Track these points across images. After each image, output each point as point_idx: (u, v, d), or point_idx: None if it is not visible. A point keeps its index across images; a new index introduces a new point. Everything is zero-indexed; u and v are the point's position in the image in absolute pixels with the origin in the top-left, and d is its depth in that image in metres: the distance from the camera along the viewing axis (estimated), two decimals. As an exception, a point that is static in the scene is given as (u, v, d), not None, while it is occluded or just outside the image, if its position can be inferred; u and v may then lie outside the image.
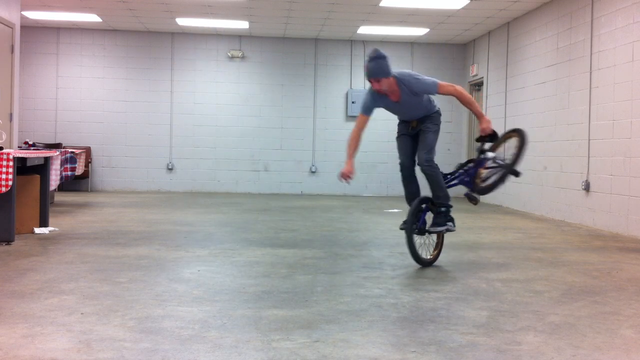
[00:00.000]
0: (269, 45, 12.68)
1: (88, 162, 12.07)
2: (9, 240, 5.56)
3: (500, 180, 4.87)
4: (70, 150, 8.29)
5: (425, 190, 4.99)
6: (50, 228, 6.48)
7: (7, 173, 5.35)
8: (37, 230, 6.29)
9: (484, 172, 5.05)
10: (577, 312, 3.63)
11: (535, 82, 9.66)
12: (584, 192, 8.13)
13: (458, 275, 4.64)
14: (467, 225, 7.91)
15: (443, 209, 5.00)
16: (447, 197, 5.03)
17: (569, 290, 4.22)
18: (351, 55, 12.89)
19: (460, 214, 9.33)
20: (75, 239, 6.01)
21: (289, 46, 12.77)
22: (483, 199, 11.75)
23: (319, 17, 10.79)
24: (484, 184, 5.02)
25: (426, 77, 4.89)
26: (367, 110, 4.93)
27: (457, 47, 13.00)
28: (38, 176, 6.42)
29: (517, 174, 4.86)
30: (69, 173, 7.90)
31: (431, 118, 5.02)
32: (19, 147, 8.48)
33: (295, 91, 12.67)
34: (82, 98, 12.42)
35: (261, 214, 8.71)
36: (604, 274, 4.84)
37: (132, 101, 12.53)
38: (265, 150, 12.73)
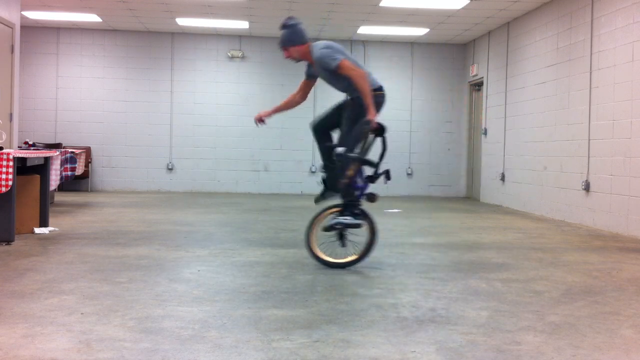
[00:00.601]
0: (269, 45, 12.68)
1: (88, 162, 12.07)
2: (9, 240, 5.56)
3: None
4: (70, 150, 8.29)
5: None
6: (50, 228, 6.48)
7: (7, 173, 5.35)
8: (37, 230, 6.29)
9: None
10: (577, 312, 3.63)
11: (535, 82, 9.66)
12: (584, 192, 8.13)
13: (458, 275, 4.63)
14: (467, 225, 7.91)
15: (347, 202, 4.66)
16: (346, 194, 4.64)
17: (569, 290, 4.22)
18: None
19: (460, 214, 9.34)
20: (75, 239, 6.01)
21: (289, 46, 12.76)
22: (483, 199, 11.76)
23: (319, 17, 10.79)
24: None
25: (335, 52, 4.59)
26: (305, 75, 4.95)
27: (457, 47, 13.00)
28: (38, 176, 6.42)
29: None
30: (69, 173, 7.90)
31: (353, 104, 4.67)
32: (19, 147, 8.48)
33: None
34: (82, 98, 12.42)
35: (261, 214, 8.71)
36: (604, 274, 4.84)
37: (132, 101, 12.53)
38: (265, 150, 12.74)
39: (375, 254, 5.52)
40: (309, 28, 11.79)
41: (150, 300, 3.65)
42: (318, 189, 5.11)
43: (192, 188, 12.62)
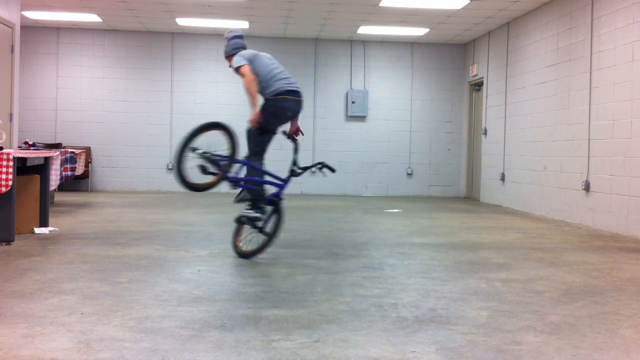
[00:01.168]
0: (269, 45, 12.66)
1: (88, 162, 12.07)
2: (9, 240, 5.56)
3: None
4: (70, 150, 8.29)
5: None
6: (50, 228, 6.48)
7: (7, 173, 5.35)
8: (37, 230, 6.29)
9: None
10: (577, 312, 3.63)
11: (535, 82, 9.66)
12: (584, 192, 8.13)
13: (458, 275, 4.63)
14: (467, 225, 7.92)
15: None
16: (248, 192, 5.26)
17: (569, 290, 4.22)
18: (351, 55, 12.89)
19: (460, 214, 9.34)
20: (75, 239, 6.01)
21: (289, 46, 12.78)
22: (483, 199, 11.76)
23: (319, 17, 10.79)
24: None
25: (242, 59, 5.14)
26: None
27: (457, 47, 13.00)
28: (38, 176, 6.42)
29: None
30: (69, 173, 7.90)
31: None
32: (19, 147, 8.48)
33: (295, 91, 12.65)
34: (82, 98, 12.42)
35: (261, 214, 8.70)
36: (604, 274, 4.84)
37: (132, 101, 12.53)
38: (265, 150, 12.72)
39: (375, 254, 5.53)
40: (309, 28, 11.85)
41: (150, 300, 3.65)
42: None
43: (192, 188, 12.60)
